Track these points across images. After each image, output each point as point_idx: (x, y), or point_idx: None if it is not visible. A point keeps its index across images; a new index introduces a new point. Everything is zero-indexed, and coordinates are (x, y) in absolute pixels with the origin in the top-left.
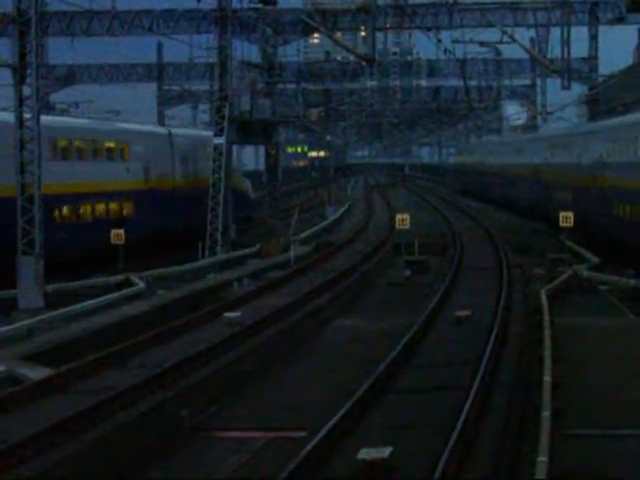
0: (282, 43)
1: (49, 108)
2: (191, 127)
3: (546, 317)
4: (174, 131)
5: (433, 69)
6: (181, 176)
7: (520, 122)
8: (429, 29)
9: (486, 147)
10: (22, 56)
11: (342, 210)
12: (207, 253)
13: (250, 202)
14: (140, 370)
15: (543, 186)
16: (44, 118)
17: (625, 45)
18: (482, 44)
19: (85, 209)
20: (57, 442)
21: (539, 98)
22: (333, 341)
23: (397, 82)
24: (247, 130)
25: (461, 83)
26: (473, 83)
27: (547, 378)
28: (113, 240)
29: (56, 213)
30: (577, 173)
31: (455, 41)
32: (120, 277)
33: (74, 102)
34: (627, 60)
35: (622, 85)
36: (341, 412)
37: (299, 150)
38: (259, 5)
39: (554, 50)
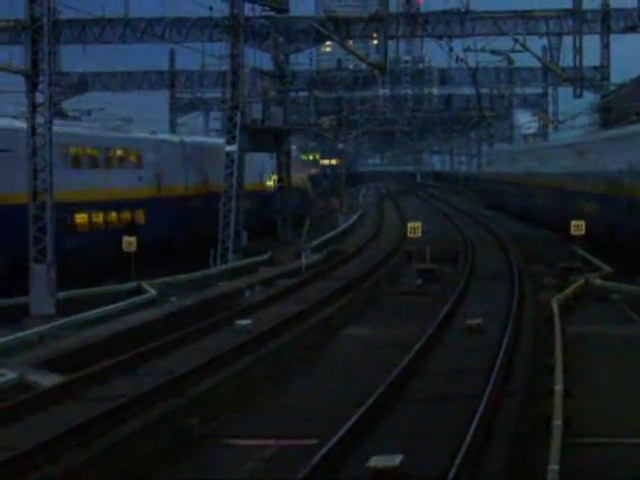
0: (294, 51)
1: (61, 115)
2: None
3: (557, 326)
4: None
5: (445, 77)
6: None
7: (531, 131)
8: (441, 37)
9: (540, 152)
10: (35, 63)
11: (354, 218)
12: (219, 260)
13: (311, 201)
14: (151, 377)
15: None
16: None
17: (637, 53)
18: (494, 52)
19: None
20: (67, 450)
21: (551, 107)
22: (344, 349)
23: (409, 90)
24: (259, 138)
25: (473, 91)
26: (485, 91)
27: (558, 387)
28: (125, 248)
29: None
30: None
31: (467, 49)
32: (132, 284)
33: (87, 110)
34: (639, 68)
35: (634, 93)
36: (352, 420)
37: (311, 158)
38: (271, 13)
39: (566, 59)
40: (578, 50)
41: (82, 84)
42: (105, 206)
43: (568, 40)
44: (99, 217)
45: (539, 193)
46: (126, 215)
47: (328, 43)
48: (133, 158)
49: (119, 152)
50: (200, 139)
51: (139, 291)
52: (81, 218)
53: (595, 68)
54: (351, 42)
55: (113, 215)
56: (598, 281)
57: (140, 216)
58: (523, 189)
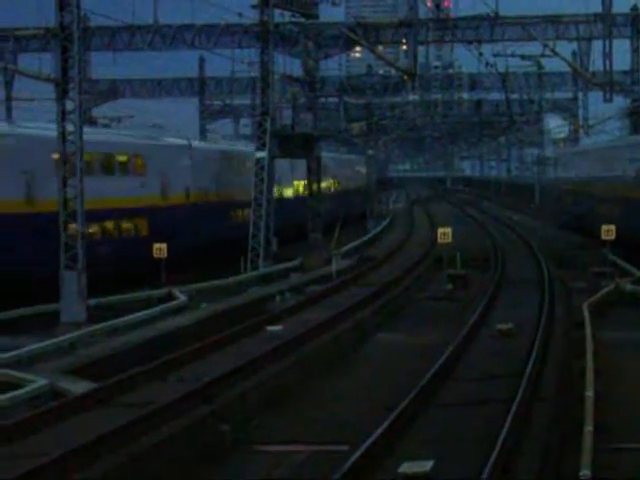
0: (324, 57)
1: (91, 123)
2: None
3: (588, 331)
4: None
5: (475, 82)
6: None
7: (562, 135)
8: (471, 42)
9: None
10: (65, 71)
11: (384, 224)
12: (249, 267)
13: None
14: (182, 384)
15: None
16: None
17: None
18: (524, 57)
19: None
20: (98, 456)
21: (581, 111)
22: (375, 355)
23: (439, 95)
24: (288, 144)
25: (503, 96)
26: (515, 96)
27: (589, 393)
28: (155, 254)
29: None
30: None
31: (497, 54)
32: (163, 291)
33: (117, 117)
34: None
35: None
36: (383, 426)
37: None
38: (301, 19)
39: (596, 63)
40: (608, 54)
41: (112, 91)
42: None
43: (598, 44)
44: None
45: None
46: None
47: (358, 49)
48: None
49: None
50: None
51: (170, 298)
52: None
53: (625, 72)
54: (381, 48)
55: None
56: (629, 286)
57: None
58: None
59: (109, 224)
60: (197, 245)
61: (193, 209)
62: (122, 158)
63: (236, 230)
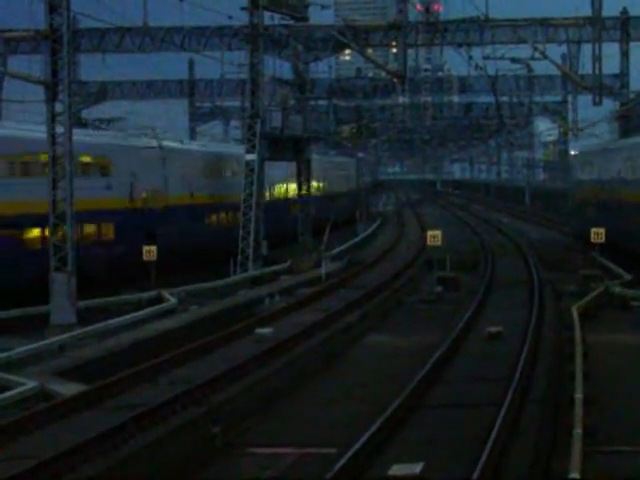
0: (313, 59)
1: (81, 124)
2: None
3: (577, 333)
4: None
5: (464, 85)
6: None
7: (552, 138)
8: (460, 45)
9: None
10: (54, 72)
11: (374, 227)
12: (239, 269)
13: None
14: (172, 386)
15: None
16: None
17: None
18: (513, 60)
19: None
20: (89, 459)
21: (570, 114)
22: (365, 357)
23: (428, 98)
24: (278, 146)
25: (492, 99)
26: (504, 99)
27: (579, 395)
28: (145, 257)
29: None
30: None
31: (486, 57)
32: (152, 293)
33: (106, 119)
34: None
35: None
36: (372, 429)
37: None
38: (290, 21)
39: (585, 66)
40: (597, 58)
41: (102, 93)
42: None
43: (587, 48)
44: None
45: None
46: None
47: (347, 51)
48: None
49: None
50: None
51: (159, 300)
52: None
53: (615, 76)
54: (371, 50)
55: None
56: (617, 289)
57: None
58: None
59: (222, 215)
60: (273, 232)
61: (270, 205)
62: (227, 164)
63: (295, 221)
